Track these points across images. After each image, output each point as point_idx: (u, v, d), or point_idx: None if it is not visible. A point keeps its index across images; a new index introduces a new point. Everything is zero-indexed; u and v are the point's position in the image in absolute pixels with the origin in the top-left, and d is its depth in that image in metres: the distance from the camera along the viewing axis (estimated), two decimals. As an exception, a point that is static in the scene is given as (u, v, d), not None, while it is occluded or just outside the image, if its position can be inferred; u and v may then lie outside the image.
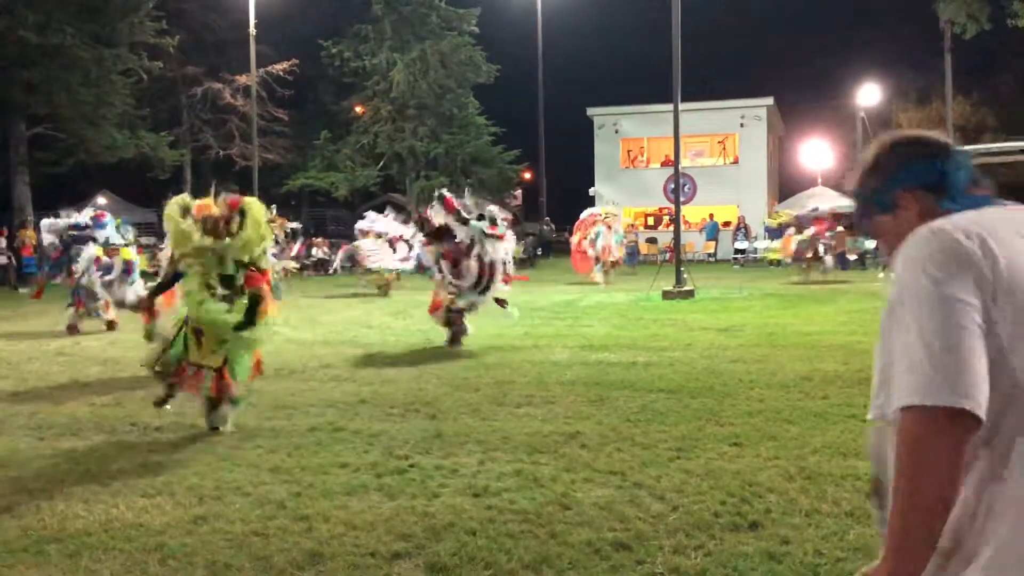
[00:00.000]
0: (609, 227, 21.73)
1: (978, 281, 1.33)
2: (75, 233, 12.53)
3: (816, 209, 21.39)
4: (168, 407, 6.58)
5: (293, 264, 21.18)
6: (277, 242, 17.66)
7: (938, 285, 1.33)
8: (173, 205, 6.45)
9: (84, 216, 12.85)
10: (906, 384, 1.29)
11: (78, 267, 12.26)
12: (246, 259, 6.38)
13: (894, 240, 1.62)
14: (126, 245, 12.75)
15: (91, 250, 12.32)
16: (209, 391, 6.26)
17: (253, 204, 6.50)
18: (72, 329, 12.28)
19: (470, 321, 10.63)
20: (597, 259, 21.40)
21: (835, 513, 4.20)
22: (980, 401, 1.26)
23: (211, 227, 6.28)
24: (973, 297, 1.32)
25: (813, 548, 3.79)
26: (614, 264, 21.93)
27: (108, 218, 12.94)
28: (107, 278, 12.43)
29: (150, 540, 4.10)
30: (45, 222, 13.46)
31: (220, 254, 6.29)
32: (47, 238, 13.14)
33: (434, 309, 10.75)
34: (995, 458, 1.32)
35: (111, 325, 12.49)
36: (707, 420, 6.26)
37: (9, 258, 21.96)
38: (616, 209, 23.92)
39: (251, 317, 6.27)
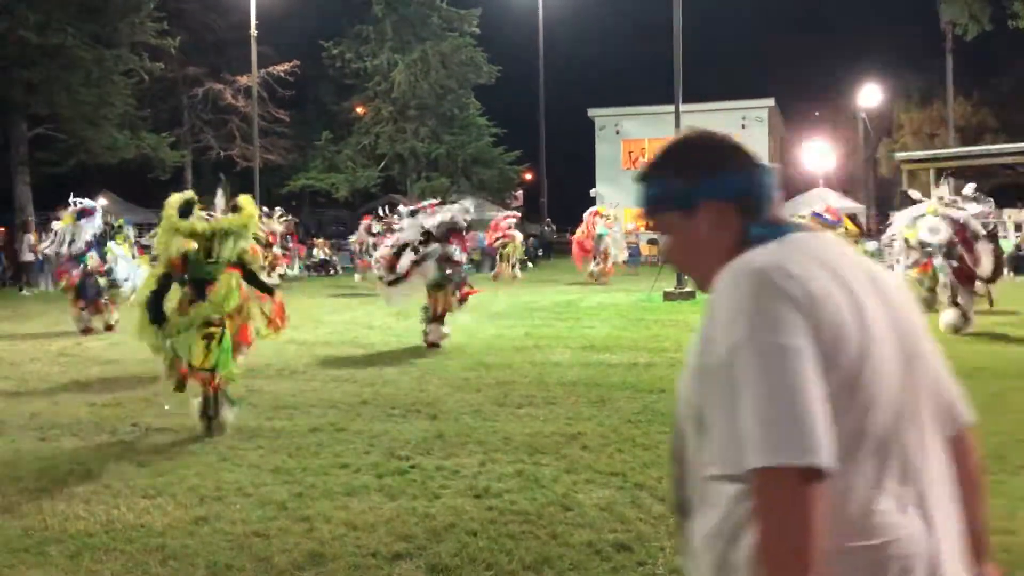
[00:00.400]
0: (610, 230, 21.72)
1: (808, 325, 1.27)
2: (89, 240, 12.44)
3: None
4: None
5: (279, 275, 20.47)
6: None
7: (772, 334, 1.25)
8: (175, 198, 6.47)
9: (80, 236, 12.41)
10: (756, 443, 1.22)
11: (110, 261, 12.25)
12: (236, 251, 6.38)
13: (682, 244, 1.51)
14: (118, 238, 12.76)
15: (118, 248, 12.26)
16: (208, 390, 6.25)
17: (246, 201, 6.59)
18: (86, 331, 12.25)
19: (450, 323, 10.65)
20: (595, 257, 21.40)
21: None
22: (831, 452, 1.22)
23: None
24: (806, 342, 1.26)
25: (814, 549, 3.78)
26: (610, 266, 21.85)
27: (76, 202, 12.64)
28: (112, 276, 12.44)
29: (151, 541, 4.10)
30: (50, 245, 13.26)
31: (211, 236, 6.28)
32: (48, 245, 13.10)
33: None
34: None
35: (111, 327, 12.46)
36: (708, 421, 6.25)
37: (36, 256, 21.91)
38: (616, 211, 23.78)
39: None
